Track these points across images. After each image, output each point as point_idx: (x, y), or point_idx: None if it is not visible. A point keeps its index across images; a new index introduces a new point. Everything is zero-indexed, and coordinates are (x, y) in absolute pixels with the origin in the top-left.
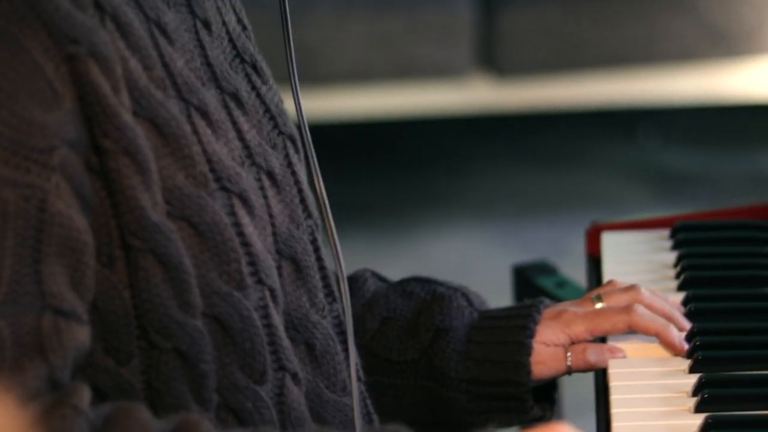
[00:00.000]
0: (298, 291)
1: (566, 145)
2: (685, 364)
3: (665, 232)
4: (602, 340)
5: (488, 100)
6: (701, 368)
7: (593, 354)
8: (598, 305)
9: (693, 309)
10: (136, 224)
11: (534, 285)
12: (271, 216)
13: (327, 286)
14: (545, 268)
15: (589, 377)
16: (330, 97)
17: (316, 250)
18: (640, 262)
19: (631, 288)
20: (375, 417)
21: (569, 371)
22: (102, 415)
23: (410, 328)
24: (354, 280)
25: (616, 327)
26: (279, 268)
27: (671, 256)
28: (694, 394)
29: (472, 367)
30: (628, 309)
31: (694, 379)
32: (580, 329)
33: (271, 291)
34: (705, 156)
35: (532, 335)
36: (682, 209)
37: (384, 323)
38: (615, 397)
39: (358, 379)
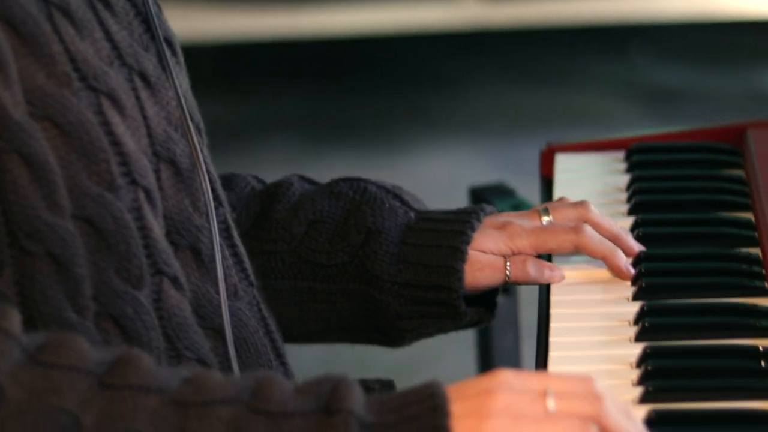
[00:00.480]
0: (180, 194)
1: (556, 62)
2: (630, 291)
3: (621, 154)
4: (547, 258)
5: (477, 17)
6: (645, 296)
7: (533, 267)
8: (545, 219)
9: (641, 234)
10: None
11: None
12: (145, 117)
13: (213, 189)
14: (503, 190)
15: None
16: (317, 13)
17: (202, 151)
18: (592, 185)
19: (580, 204)
20: (271, 321)
21: (507, 281)
22: (36, 343)
23: (340, 231)
24: (278, 186)
25: (562, 246)
26: (157, 171)
27: (624, 179)
28: (635, 322)
29: (405, 269)
30: (576, 228)
31: (636, 306)
32: (524, 243)
33: (147, 192)
34: (698, 73)
35: (468, 241)
36: (674, 126)
37: (311, 227)
38: (555, 325)
39: (251, 284)
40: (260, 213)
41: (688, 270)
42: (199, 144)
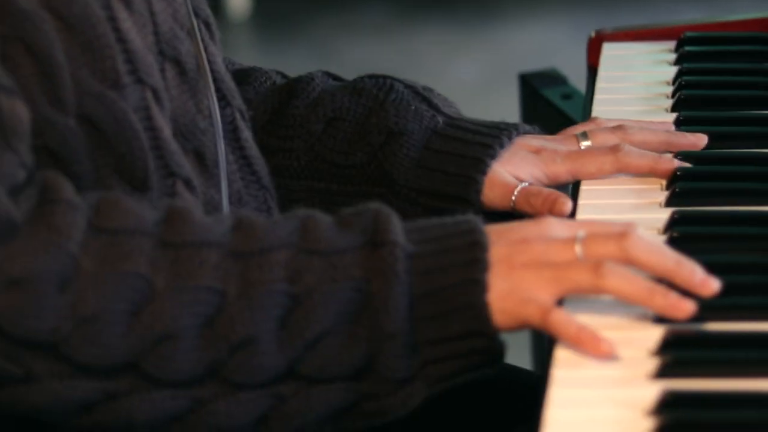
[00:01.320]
0: (184, 96)
1: None
2: (662, 196)
3: (672, 44)
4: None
5: None
6: (678, 202)
7: (540, 201)
8: (583, 144)
9: None
10: (4, 10)
11: (539, 95)
12: (152, 13)
13: (219, 89)
14: (554, 78)
15: None
16: None
17: (206, 48)
18: (637, 78)
19: (619, 127)
20: None
21: (513, 209)
22: (91, 206)
23: (360, 129)
24: (299, 81)
25: (602, 169)
26: (162, 70)
27: (672, 72)
28: (665, 231)
29: (423, 176)
30: (615, 148)
31: (667, 213)
32: (561, 170)
33: (154, 91)
34: None
35: (494, 156)
36: (731, 15)
37: (330, 124)
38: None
39: (262, 187)
40: (278, 108)
41: (727, 174)
42: (207, 40)
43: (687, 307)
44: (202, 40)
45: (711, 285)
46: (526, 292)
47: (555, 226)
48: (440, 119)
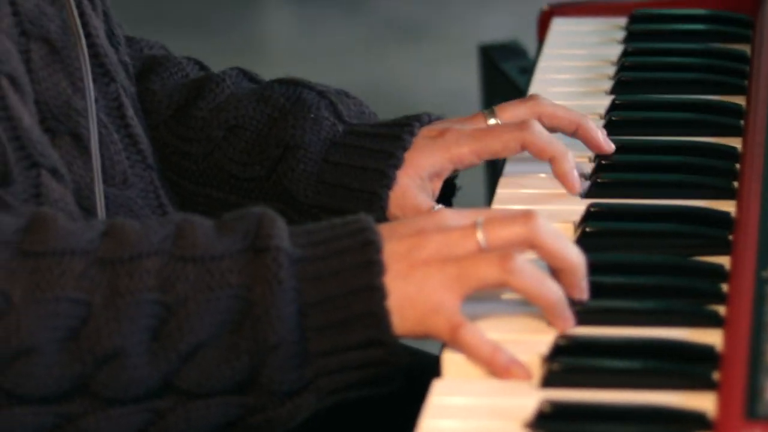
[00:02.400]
0: (56, 76)
1: None
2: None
3: (624, 21)
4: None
5: None
6: (599, 194)
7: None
8: (491, 121)
9: (612, 119)
10: None
11: (498, 68)
12: None
13: (102, 65)
14: (515, 50)
15: None
16: None
17: (85, 25)
18: (581, 57)
19: (530, 98)
20: (171, 209)
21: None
22: None
23: (261, 141)
24: (209, 79)
25: (507, 146)
26: (27, 51)
27: (619, 51)
28: (578, 225)
29: (323, 191)
30: (521, 125)
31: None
32: (464, 150)
33: (11, 78)
34: None
35: (397, 165)
36: None
37: (231, 132)
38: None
39: (148, 167)
40: (183, 106)
41: (654, 165)
42: (88, 13)
43: (569, 326)
44: (82, 14)
45: (583, 294)
46: (431, 297)
47: (451, 216)
48: (341, 128)
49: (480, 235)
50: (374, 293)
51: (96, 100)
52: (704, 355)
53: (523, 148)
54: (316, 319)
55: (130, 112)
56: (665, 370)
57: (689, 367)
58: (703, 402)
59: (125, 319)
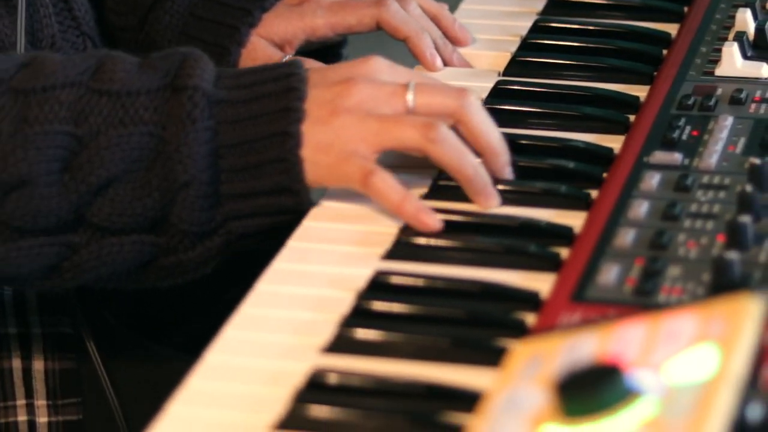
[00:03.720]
0: None
1: None
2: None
3: None
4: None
5: None
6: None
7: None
8: None
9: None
10: None
11: None
12: None
13: None
14: None
15: None
16: None
17: None
18: (492, 29)
19: None
20: None
21: None
22: None
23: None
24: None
25: (362, 21)
26: None
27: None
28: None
29: (184, 42)
30: (380, 2)
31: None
32: (319, 22)
33: None
34: None
35: (253, 23)
36: None
37: None
38: None
39: (83, 33)
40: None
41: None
42: None
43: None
44: None
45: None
46: (347, 145)
47: (386, 68)
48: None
49: (410, 97)
50: (288, 140)
51: None
52: (563, 235)
53: (378, 26)
54: (231, 161)
55: None
56: (519, 250)
57: (541, 249)
58: (546, 284)
59: (32, 149)
